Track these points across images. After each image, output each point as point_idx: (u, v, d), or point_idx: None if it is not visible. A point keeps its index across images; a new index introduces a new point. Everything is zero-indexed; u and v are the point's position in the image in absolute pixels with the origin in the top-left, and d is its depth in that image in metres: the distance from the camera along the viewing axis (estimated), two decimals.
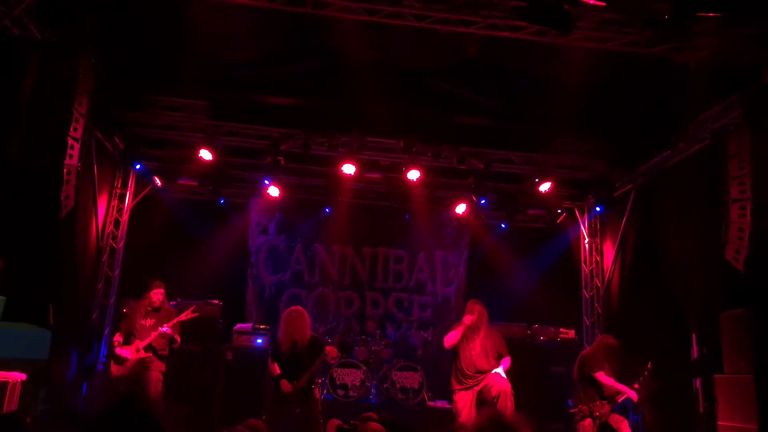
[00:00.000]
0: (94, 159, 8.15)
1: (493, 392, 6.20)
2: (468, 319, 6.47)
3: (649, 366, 6.45)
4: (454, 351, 6.63)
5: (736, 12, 5.47)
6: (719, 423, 6.18)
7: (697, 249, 7.33)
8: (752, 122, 6.37)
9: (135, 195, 9.60)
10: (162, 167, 9.36)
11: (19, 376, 6.11)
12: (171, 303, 8.20)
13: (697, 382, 7.14)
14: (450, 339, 6.58)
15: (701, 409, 7.03)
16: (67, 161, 5.82)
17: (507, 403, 6.09)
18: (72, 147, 5.88)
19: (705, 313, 6.99)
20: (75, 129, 5.89)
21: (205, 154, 8.49)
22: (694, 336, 7.32)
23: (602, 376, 6.50)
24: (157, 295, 6.85)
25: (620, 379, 6.55)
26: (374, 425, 3.51)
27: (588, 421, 6.52)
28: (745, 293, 6.26)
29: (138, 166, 9.25)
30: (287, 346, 6.20)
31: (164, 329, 6.61)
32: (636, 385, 6.44)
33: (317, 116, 8.28)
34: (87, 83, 6.06)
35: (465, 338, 6.53)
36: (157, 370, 6.69)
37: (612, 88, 7.15)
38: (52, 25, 5.74)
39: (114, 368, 6.63)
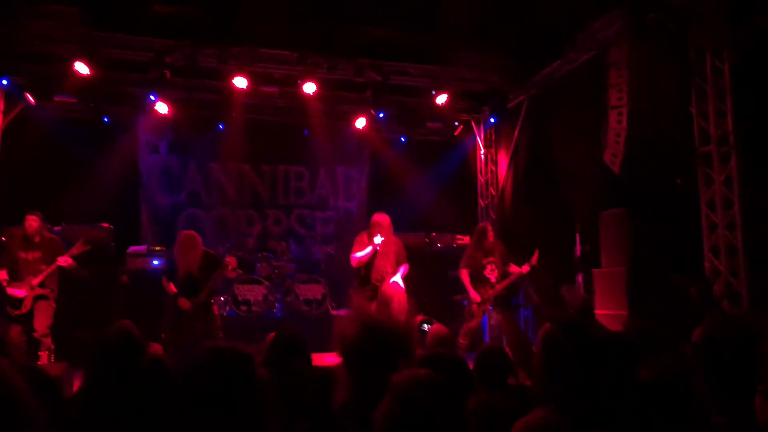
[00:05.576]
0: None
1: (388, 295, 6.47)
2: (380, 240, 6.59)
3: (536, 253, 6.94)
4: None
5: None
6: (596, 311, 6.79)
7: (583, 155, 7.72)
8: (632, 31, 6.66)
9: (6, 114, 8.77)
10: (34, 82, 8.56)
11: None
12: (55, 229, 7.77)
13: (579, 277, 7.74)
14: (359, 260, 6.69)
15: None
16: None
17: (402, 305, 6.39)
18: None
19: (588, 213, 7.50)
20: None
21: (81, 68, 7.80)
22: (578, 235, 7.87)
23: (461, 273, 7.12)
24: (30, 223, 6.52)
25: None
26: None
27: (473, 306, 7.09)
28: (621, 194, 6.77)
29: (5, 82, 8.41)
30: (183, 268, 6.18)
31: (67, 262, 6.53)
32: (526, 267, 6.97)
33: (205, 26, 7.80)
34: None
35: (373, 255, 6.68)
36: (51, 299, 6.65)
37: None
38: None
39: (8, 309, 6.39)
